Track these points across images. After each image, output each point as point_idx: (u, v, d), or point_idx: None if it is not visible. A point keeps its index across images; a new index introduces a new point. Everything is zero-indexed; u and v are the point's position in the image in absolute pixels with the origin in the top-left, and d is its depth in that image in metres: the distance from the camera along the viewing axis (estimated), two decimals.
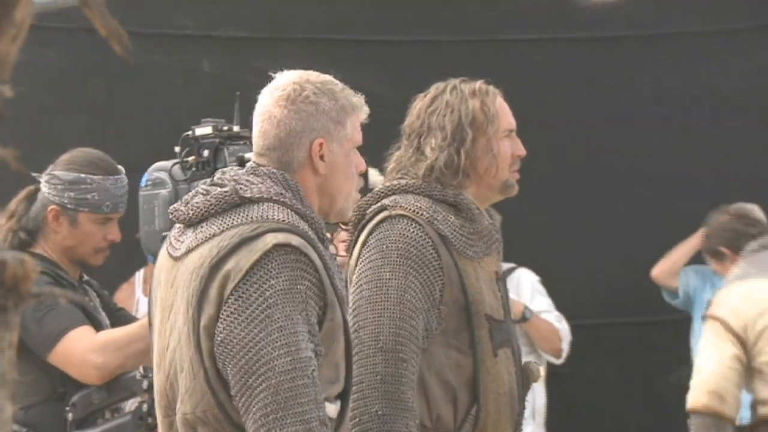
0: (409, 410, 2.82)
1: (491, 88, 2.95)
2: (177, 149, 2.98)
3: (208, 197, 2.53)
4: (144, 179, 3.06)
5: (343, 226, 2.94)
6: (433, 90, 2.96)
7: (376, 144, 2.82)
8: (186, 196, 2.67)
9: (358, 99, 2.61)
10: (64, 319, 3.16)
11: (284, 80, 2.56)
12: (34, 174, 3.36)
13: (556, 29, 5.89)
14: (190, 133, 3.02)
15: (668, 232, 5.47)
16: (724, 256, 4.81)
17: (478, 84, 2.93)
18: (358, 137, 2.62)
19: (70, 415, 3.19)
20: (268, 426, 2.42)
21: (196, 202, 2.56)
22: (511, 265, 4.56)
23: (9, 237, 3.31)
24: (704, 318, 3.99)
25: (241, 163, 2.86)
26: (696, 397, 3.72)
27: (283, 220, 2.47)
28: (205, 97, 4.67)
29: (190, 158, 2.95)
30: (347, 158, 2.62)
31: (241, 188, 2.51)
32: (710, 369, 3.77)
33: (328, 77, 2.62)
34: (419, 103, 2.97)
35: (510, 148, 2.95)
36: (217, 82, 5.05)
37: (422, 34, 5.66)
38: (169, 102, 4.65)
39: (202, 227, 2.51)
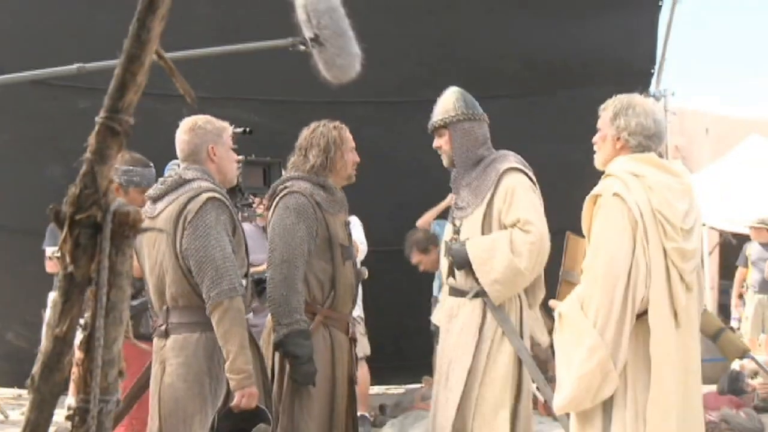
0: (299, 293, 4.21)
1: (343, 125, 4.52)
2: None
3: (166, 182, 4.00)
4: (165, 169, 4.67)
5: (260, 196, 4.61)
6: (312, 125, 4.50)
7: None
8: (153, 186, 4.10)
9: (225, 122, 4.03)
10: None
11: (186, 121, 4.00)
12: None
13: None
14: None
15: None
16: None
17: (337, 122, 4.50)
18: (230, 142, 4.03)
19: None
20: (213, 287, 3.71)
21: (159, 186, 4.02)
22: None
23: None
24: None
25: None
26: None
27: (209, 187, 3.84)
28: None
29: None
30: (228, 154, 4.01)
31: (183, 174, 3.95)
32: None
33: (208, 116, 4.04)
34: (305, 132, 4.51)
35: (352, 158, 4.54)
36: None
37: None
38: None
39: (165, 198, 3.93)
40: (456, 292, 4.50)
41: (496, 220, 4.37)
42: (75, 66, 2.63)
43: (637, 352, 3.56)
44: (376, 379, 8.35)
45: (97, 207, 1.51)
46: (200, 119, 4.04)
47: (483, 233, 4.40)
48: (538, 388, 4.50)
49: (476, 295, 4.39)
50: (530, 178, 4.44)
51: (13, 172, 7.60)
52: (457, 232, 4.48)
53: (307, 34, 3.44)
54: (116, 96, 1.52)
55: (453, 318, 4.48)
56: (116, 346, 1.55)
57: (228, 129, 4.08)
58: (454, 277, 4.49)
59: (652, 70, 8.54)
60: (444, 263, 4.55)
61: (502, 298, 4.35)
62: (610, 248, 3.54)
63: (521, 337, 4.40)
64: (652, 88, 8.62)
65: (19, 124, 7.62)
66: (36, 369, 1.54)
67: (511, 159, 4.46)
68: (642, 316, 3.57)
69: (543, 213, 4.41)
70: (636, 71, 8.35)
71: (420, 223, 7.73)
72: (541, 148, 7.83)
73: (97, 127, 1.51)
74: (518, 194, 4.35)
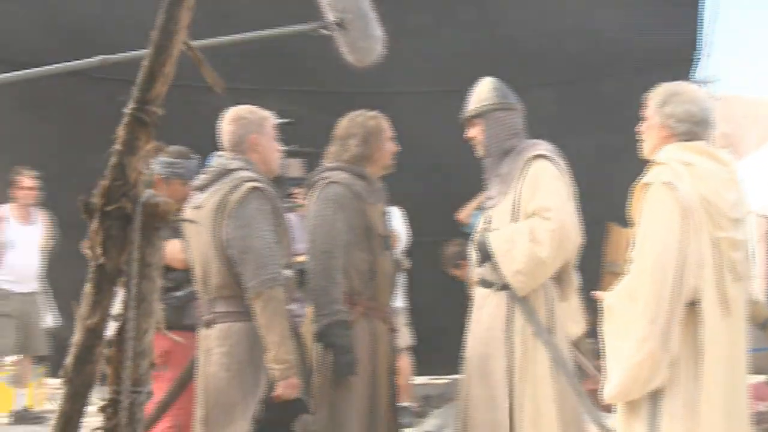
0: (338, 284, 4.17)
1: (381, 114, 4.49)
2: None
3: (210, 173, 4.07)
4: (210, 160, 4.63)
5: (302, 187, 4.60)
6: (350, 114, 4.48)
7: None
8: (197, 177, 4.18)
9: (268, 112, 4.07)
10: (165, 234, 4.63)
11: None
12: None
13: None
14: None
15: None
16: None
17: (375, 112, 4.48)
18: (273, 132, 4.07)
19: (169, 284, 4.52)
20: (254, 277, 3.73)
21: (203, 177, 4.09)
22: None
23: None
24: None
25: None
26: None
27: (252, 177, 3.95)
28: None
29: None
30: (270, 144, 4.07)
31: (226, 164, 4.00)
32: None
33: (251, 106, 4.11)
34: (343, 122, 4.48)
35: (391, 147, 4.51)
36: None
37: None
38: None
39: (209, 188, 3.98)
40: (483, 282, 4.45)
41: (523, 209, 4.32)
42: (98, 58, 2.64)
43: (686, 342, 3.50)
44: (421, 369, 8.34)
45: (127, 198, 1.51)
46: (243, 109, 4.08)
47: (513, 222, 4.34)
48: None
49: (502, 288, 4.32)
50: (558, 166, 4.36)
51: (60, 164, 7.68)
52: (488, 222, 4.44)
53: (330, 17, 3.45)
54: (145, 87, 1.52)
55: (479, 309, 4.42)
56: (147, 338, 1.55)
57: (270, 119, 4.11)
58: (481, 267, 4.44)
59: (697, 56, 8.41)
60: (474, 254, 4.51)
61: (527, 289, 4.28)
62: (659, 238, 3.48)
63: (553, 330, 4.33)
64: (697, 74, 8.50)
65: (66, 116, 7.68)
66: (69, 361, 1.54)
67: (541, 147, 4.40)
68: (691, 306, 3.50)
69: (568, 201, 4.31)
70: (681, 57, 8.23)
71: (461, 216, 7.69)
72: (585, 137, 7.80)
73: (125, 119, 1.51)
74: (542, 181, 4.28)
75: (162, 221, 1.54)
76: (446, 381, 8.38)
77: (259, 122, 4.09)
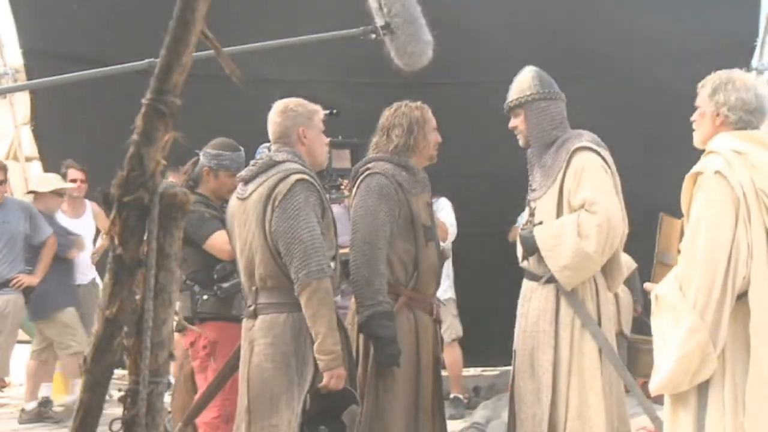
0: (381, 274, 4.18)
1: (425, 105, 4.48)
2: None
3: (257, 164, 4.07)
4: (257, 152, 4.72)
5: (348, 178, 4.61)
6: (394, 105, 4.47)
7: None
8: (245, 168, 4.17)
9: (316, 105, 4.09)
10: (211, 226, 4.60)
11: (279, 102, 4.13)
12: (196, 150, 4.82)
13: None
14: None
15: None
16: None
17: (419, 102, 4.48)
18: (321, 125, 4.09)
19: (215, 275, 4.64)
20: (301, 268, 3.75)
21: (250, 168, 4.09)
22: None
23: (183, 184, 4.59)
24: None
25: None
26: None
27: (298, 169, 3.97)
28: None
29: None
30: (318, 137, 4.09)
31: (274, 156, 4.02)
32: None
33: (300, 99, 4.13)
34: (387, 112, 4.47)
35: (435, 138, 4.49)
36: None
37: None
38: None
39: (256, 179, 4.00)
40: (530, 275, 4.41)
41: (567, 201, 4.26)
42: (146, 61, 2.67)
43: (736, 333, 3.46)
44: (472, 361, 8.30)
45: (145, 189, 1.51)
46: (292, 102, 4.09)
47: (558, 214, 4.28)
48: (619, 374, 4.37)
49: (548, 281, 4.28)
50: (603, 158, 4.29)
51: (108, 157, 7.76)
52: (532, 214, 4.39)
53: (379, 22, 3.44)
54: (162, 77, 1.51)
55: (527, 301, 4.39)
56: (166, 328, 1.55)
57: (319, 112, 4.11)
58: (527, 260, 4.40)
59: (755, 43, 8.23)
60: (519, 247, 4.47)
61: (574, 284, 4.24)
62: (711, 228, 3.43)
63: (599, 322, 4.28)
64: (755, 61, 8.32)
65: (115, 112, 7.76)
66: (88, 351, 1.55)
67: (585, 138, 4.33)
68: (742, 297, 3.45)
69: (613, 193, 4.24)
70: (738, 44, 8.06)
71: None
72: (639, 127, 7.69)
73: (143, 109, 1.51)
74: (587, 174, 4.21)
75: (180, 211, 1.53)
76: (496, 372, 8.35)
77: (307, 115, 4.10)
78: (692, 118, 3.71)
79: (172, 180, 5.31)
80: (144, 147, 1.50)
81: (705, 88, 3.65)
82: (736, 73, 3.66)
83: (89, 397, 1.53)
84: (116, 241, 1.49)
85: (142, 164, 1.49)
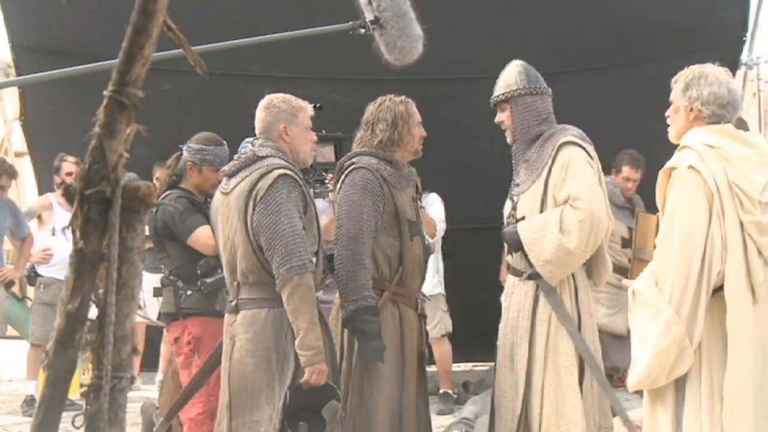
0: (366, 269, 4.16)
1: (409, 99, 4.46)
2: None
3: (241, 159, 4.06)
4: (239, 147, 4.67)
5: (332, 172, 4.59)
6: (378, 99, 4.44)
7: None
8: (228, 163, 4.17)
9: (304, 102, 4.08)
10: (194, 221, 4.59)
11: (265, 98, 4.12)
12: (180, 145, 4.82)
13: None
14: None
15: None
16: None
17: (403, 97, 4.45)
18: (308, 122, 4.12)
19: (199, 270, 4.65)
20: (283, 264, 3.74)
21: (234, 163, 4.07)
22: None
23: (166, 179, 4.62)
24: None
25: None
26: None
27: (281, 164, 3.95)
28: None
29: None
30: (303, 134, 4.07)
31: (257, 151, 3.99)
32: None
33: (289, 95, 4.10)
34: (371, 107, 4.44)
35: (419, 132, 4.46)
36: None
37: None
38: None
39: (239, 174, 3.98)
40: (513, 270, 4.41)
41: (552, 196, 4.25)
42: None
43: (712, 328, 3.49)
44: (462, 356, 8.29)
45: (107, 182, 1.49)
46: (278, 98, 4.07)
47: (542, 210, 4.28)
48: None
49: (530, 277, 4.28)
50: (588, 153, 4.29)
51: None
52: (514, 208, 4.38)
53: (368, 16, 3.41)
54: (124, 69, 1.50)
55: (509, 296, 4.39)
56: (129, 323, 1.53)
57: (306, 109, 4.09)
58: (511, 255, 4.40)
59: (744, 38, 8.22)
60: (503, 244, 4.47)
61: (557, 279, 4.23)
62: (685, 222, 3.45)
63: (579, 319, 4.27)
64: (744, 56, 8.31)
65: None
66: (49, 346, 1.54)
67: (570, 132, 4.32)
68: (718, 291, 3.47)
69: (597, 188, 4.24)
70: (727, 39, 8.05)
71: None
72: (628, 122, 7.66)
73: (105, 101, 1.50)
74: (572, 169, 4.21)
75: (143, 205, 1.52)
76: (486, 368, 8.33)
77: (291, 112, 4.08)
78: (666, 114, 3.73)
79: (159, 175, 5.27)
80: (106, 140, 1.49)
81: (678, 83, 3.67)
82: (709, 68, 3.68)
83: (51, 392, 1.52)
84: (78, 235, 1.47)
85: (104, 157, 1.48)
